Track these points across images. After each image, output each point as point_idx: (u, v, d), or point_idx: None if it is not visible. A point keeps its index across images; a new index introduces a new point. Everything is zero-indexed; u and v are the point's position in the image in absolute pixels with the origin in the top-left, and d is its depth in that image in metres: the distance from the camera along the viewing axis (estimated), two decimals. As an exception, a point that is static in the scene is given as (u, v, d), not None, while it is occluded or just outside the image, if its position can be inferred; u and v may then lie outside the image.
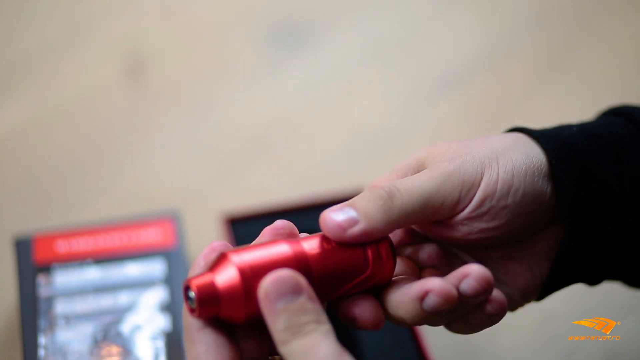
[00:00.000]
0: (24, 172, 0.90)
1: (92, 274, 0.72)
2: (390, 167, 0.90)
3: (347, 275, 0.50)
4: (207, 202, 0.86)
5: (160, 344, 0.67)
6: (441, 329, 0.71)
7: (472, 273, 0.49)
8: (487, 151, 0.53)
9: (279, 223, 0.52)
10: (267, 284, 0.47)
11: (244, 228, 0.77)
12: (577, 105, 0.96)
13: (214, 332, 0.49)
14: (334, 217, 0.50)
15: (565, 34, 1.02)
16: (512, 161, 0.53)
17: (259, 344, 0.49)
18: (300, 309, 0.47)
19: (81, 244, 0.74)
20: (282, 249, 0.49)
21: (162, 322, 0.69)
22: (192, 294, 0.48)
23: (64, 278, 0.72)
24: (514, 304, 0.55)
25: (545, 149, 0.53)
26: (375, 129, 0.95)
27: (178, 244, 0.74)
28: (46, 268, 0.72)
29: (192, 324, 0.49)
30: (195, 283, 0.48)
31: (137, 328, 0.68)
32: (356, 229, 0.50)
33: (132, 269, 0.72)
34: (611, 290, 0.71)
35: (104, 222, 0.77)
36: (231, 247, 0.51)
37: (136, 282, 0.71)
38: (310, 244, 0.50)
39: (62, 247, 0.74)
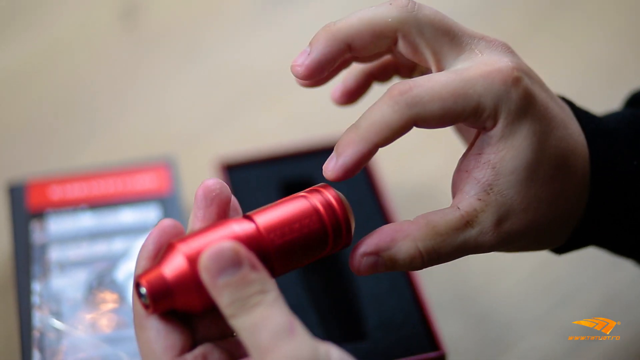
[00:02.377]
0: (17, 117, 0.89)
1: (86, 220, 0.71)
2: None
3: (305, 247, 0.49)
4: (204, 148, 0.85)
5: (155, 291, 0.67)
6: (439, 274, 0.71)
7: None
8: None
9: (210, 183, 0.50)
10: (205, 259, 0.45)
11: (240, 174, 0.76)
12: (578, 51, 0.95)
13: (163, 316, 0.47)
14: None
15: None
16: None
17: (213, 322, 0.48)
18: (242, 281, 0.45)
19: (75, 190, 0.73)
20: (231, 230, 0.47)
21: (157, 269, 0.68)
22: (143, 290, 0.46)
23: (57, 224, 0.71)
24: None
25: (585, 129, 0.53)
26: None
27: (173, 191, 0.74)
28: (40, 214, 0.72)
29: (139, 310, 0.47)
30: (144, 279, 0.46)
31: (131, 275, 0.68)
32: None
33: (127, 216, 0.72)
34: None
35: (98, 167, 0.76)
36: (180, 226, 0.49)
37: (130, 228, 0.71)
38: (262, 218, 0.48)
39: (56, 193, 0.73)
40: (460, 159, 0.53)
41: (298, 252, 0.49)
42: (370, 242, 0.51)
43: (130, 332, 0.64)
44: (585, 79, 0.92)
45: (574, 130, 0.53)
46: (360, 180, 0.75)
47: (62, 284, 0.67)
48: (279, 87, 0.92)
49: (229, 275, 0.45)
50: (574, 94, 0.89)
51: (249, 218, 0.48)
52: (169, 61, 0.94)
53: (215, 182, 0.50)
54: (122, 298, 0.66)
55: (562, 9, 0.99)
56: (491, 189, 0.51)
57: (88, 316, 0.65)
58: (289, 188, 0.75)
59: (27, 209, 0.72)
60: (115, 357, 0.63)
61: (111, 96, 0.91)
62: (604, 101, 0.89)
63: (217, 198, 0.49)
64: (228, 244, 0.45)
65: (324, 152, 0.78)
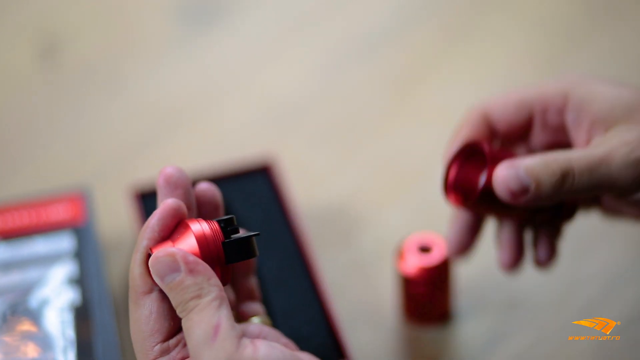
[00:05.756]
0: None
1: (0, 252, 0.72)
2: (305, 135, 0.91)
3: None
4: (121, 177, 0.86)
5: (69, 317, 0.68)
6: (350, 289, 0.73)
7: None
8: None
9: (168, 170, 0.53)
10: (150, 267, 0.49)
11: (154, 202, 0.77)
12: (491, 65, 0.99)
13: (159, 298, 0.50)
14: (508, 181, 0.54)
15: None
16: None
17: None
18: (179, 286, 0.48)
19: (-11, 223, 0.74)
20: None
21: (71, 295, 0.69)
22: None
23: (-29, 258, 0.72)
24: None
25: None
26: (290, 98, 0.96)
27: (88, 220, 0.75)
28: (-47, 248, 0.72)
29: (139, 287, 0.50)
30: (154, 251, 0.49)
31: (45, 302, 0.69)
32: (524, 199, 0.54)
33: (41, 245, 0.73)
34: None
35: (12, 200, 0.77)
36: (183, 206, 0.52)
37: (45, 256, 0.72)
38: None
39: (-30, 227, 0.74)
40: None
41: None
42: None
43: (45, 357, 0.65)
44: (496, 93, 0.95)
45: None
46: (270, 202, 0.77)
47: (-25, 315, 0.68)
48: (195, 116, 0.94)
49: (169, 280, 0.48)
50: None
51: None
52: (86, 94, 0.96)
53: (173, 168, 0.53)
54: (36, 325, 0.67)
55: (476, 28, 1.02)
56: (606, 131, 0.56)
57: (2, 345, 0.66)
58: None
59: (-59, 243, 0.73)
60: (30, 384, 0.64)
61: (29, 130, 0.92)
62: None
63: (179, 181, 0.53)
64: (165, 251, 0.48)
65: (239, 176, 0.79)
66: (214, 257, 0.50)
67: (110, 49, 1.01)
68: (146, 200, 0.78)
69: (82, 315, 0.67)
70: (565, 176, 0.53)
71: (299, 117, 0.94)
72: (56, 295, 0.69)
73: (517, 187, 0.54)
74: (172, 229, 0.51)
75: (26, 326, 0.67)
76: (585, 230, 0.77)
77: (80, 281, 0.70)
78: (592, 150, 0.54)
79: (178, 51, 1.00)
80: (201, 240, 0.50)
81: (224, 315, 0.47)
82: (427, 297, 0.71)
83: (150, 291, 0.50)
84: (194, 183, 0.67)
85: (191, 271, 0.48)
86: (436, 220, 0.80)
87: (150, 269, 0.49)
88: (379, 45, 1.01)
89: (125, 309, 0.74)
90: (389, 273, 0.76)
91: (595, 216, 0.68)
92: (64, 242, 0.73)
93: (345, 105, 0.96)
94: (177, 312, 0.49)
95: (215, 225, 0.51)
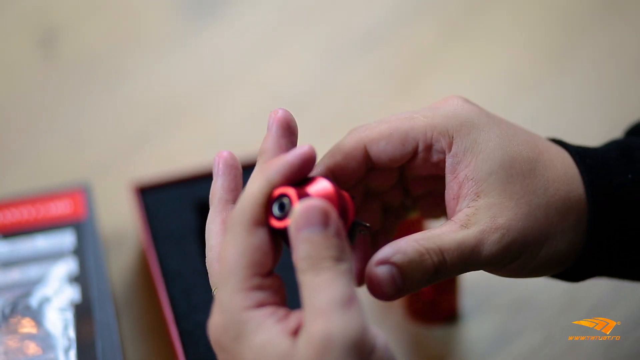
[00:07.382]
0: None
1: (1, 249, 0.71)
2: (307, 129, 0.89)
3: None
4: (120, 172, 0.85)
5: (70, 315, 0.67)
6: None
7: None
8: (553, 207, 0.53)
9: (226, 154, 0.53)
10: (298, 210, 0.47)
11: (155, 196, 0.77)
12: (490, 59, 0.98)
13: (269, 232, 0.48)
14: (383, 285, 0.51)
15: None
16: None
17: None
18: (323, 242, 0.46)
19: (-11, 220, 0.73)
20: None
21: (71, 293, 0.68)
22: (286, 200, 0.47)
23: (-30, 254, 0.71)
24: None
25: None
26: (290, 93, 0.95)
27: (88, 215, 0.74)
28: (-47, 245, 0.71)
29: (253, 215, 0.48)
30: (291, 192, 0.48)
31: (46, 300, 0.68)
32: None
33: (42, 242, 0.72)
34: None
35: (12, 196, 0.76)
36: (315, 156, 0.50)
37: (45, 254, 0.71)
38: None
39: (-31, 223, 0.73)
40: (445, 193, 0.54)
41: None
42: (377, 255, 0.51)
43: (46, 357, 0.64)
44: (494, 87, 0.94)
45: (547, 142, 0.55)
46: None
47: (-25, 313, 0.67)
48: (195, 110, 0.93)
49: (313, 232, 0.46)
50: (485, 101, 0.92)
51: None
52: (86, 87, 0.95)
53: (229, 153, 0.53)
54: (37, 323, 0.66)
55: (475, 20, 1.02)
56: (478, 196, 0.52)
57: (3, 346, 0.65)
58: (205, 208, 0.76)
59: (-60, 239, 0.72)
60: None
61: (27, 124, 0.91)
62: (512, 107, 0.92)
63: (235, 164, 0.53)
64: (320, 203, 0.47)
65: (242, 171, 0.78)
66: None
67: (110, 43, 1.00)
68: (146, 196, 0.77)
69: (83, 314, 0.67)
70: (438, 271, 0.51)
71: (301, 112, 0.93)
72: (57, 294, 0.68)
73: (392, 290, 0.51)
74: (301, 177, 0.49)
75: (27, 327, 0.66)
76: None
77: (81, 279, 0.69)
78: (462, 235, 0.52)
79: (179, 45, 0.99)
80: (341, 208, 0.49)
81: (356, 292, 0.46)
82: (433, 297, 0.70)
83: (262, 224, 0.48)
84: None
85: (339, 234, 0.47)
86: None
87: (299, 213, 0.46)
88: (380, 39, 1.00)
89: (126, 307, 0.74)
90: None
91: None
92: (65, 239, 0.72)
93: (346, 99, 0.95)
94: (300, 264, 0.46)
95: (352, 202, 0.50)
